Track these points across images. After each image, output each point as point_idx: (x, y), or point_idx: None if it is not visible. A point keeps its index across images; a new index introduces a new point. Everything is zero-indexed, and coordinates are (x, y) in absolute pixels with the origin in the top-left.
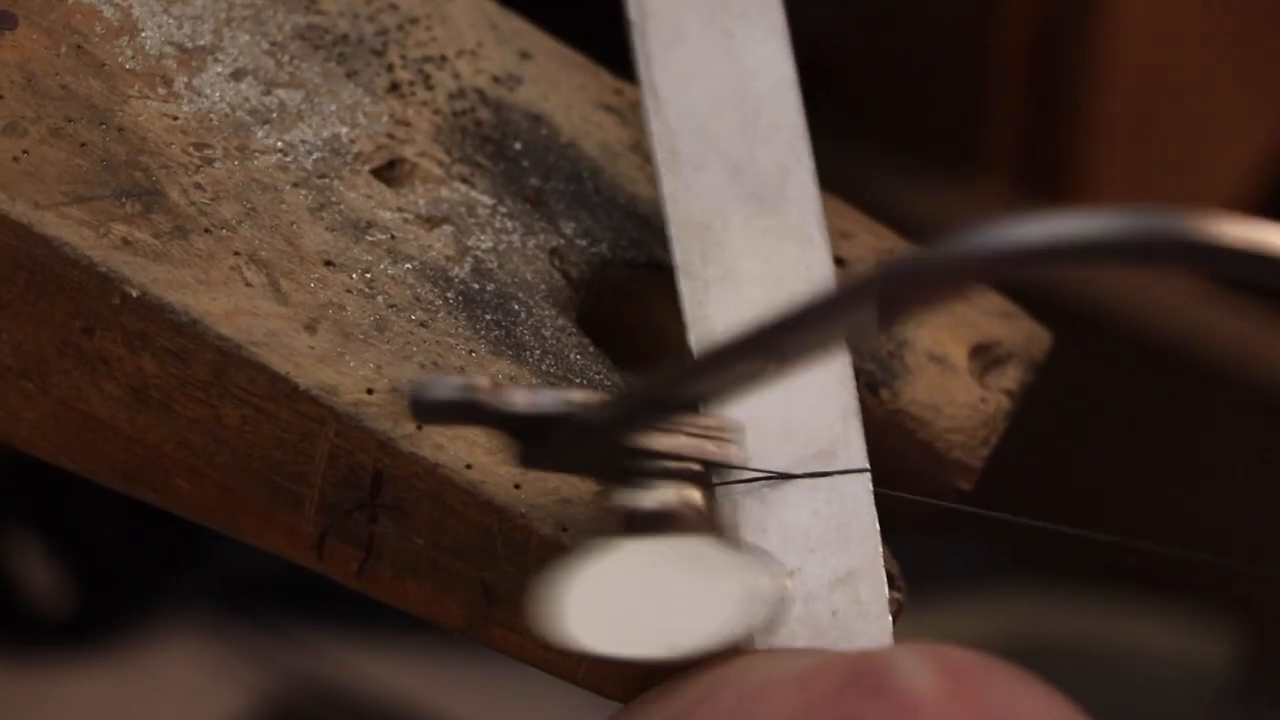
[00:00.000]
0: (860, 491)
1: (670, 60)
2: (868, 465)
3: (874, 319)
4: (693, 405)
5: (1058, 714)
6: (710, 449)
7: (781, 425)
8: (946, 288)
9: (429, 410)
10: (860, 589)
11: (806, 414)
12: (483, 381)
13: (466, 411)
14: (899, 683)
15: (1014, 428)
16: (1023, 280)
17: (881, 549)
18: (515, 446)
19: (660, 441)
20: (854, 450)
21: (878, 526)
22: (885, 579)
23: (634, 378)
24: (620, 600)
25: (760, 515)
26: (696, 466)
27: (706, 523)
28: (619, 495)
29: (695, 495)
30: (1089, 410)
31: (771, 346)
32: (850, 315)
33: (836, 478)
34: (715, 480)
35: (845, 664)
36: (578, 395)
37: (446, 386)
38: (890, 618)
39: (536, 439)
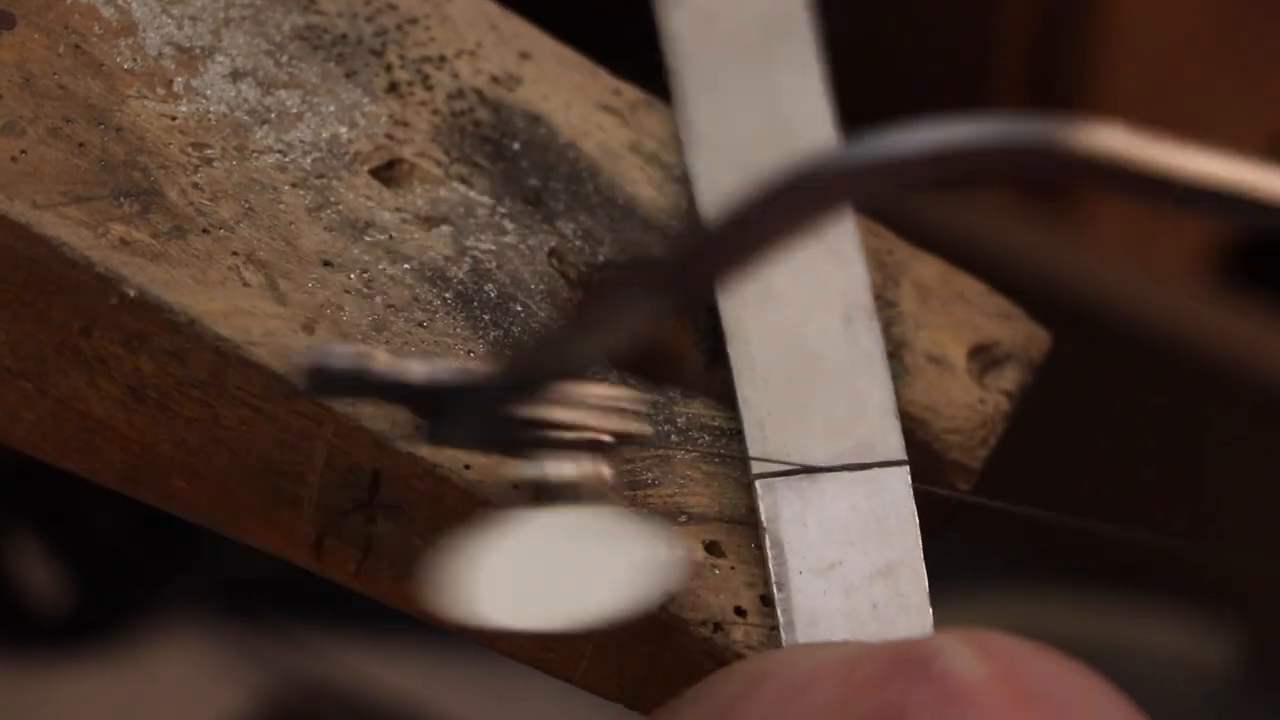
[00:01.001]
0: (899, 485)
1: (707, 103)
2: (906, 459)
3: (762, 240)
4: (589, 369)
5: (1100, 696)
6: (614, 422)
7: (821, 419)
8: (821, 203)
9: (322, 381)
10: (901, 581)
11: (844, 408)
12: (379, 352)
13: (361, 383)
14: (944, 667)
15: (1013, 428)
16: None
17: (920, 541)
18: (418, 422)
19: (563, 414)
20: (892, 444)
21: (917, 520)
22: (924, 572)
23: (530, 342)
24: (523, 572)
25: (799, 509)
26: (605, 438)
27: (610, 493)
28: (523, 467)
29: (599, 466)
30: (1089, 411)
31: (661, 281)
32: (735, 238)
33: (876, 471)
34: (756, 473)
35: (889, 651)
36: (476, 365)
37: (340, 356)
38: (930, 610)
39: (437, 413)
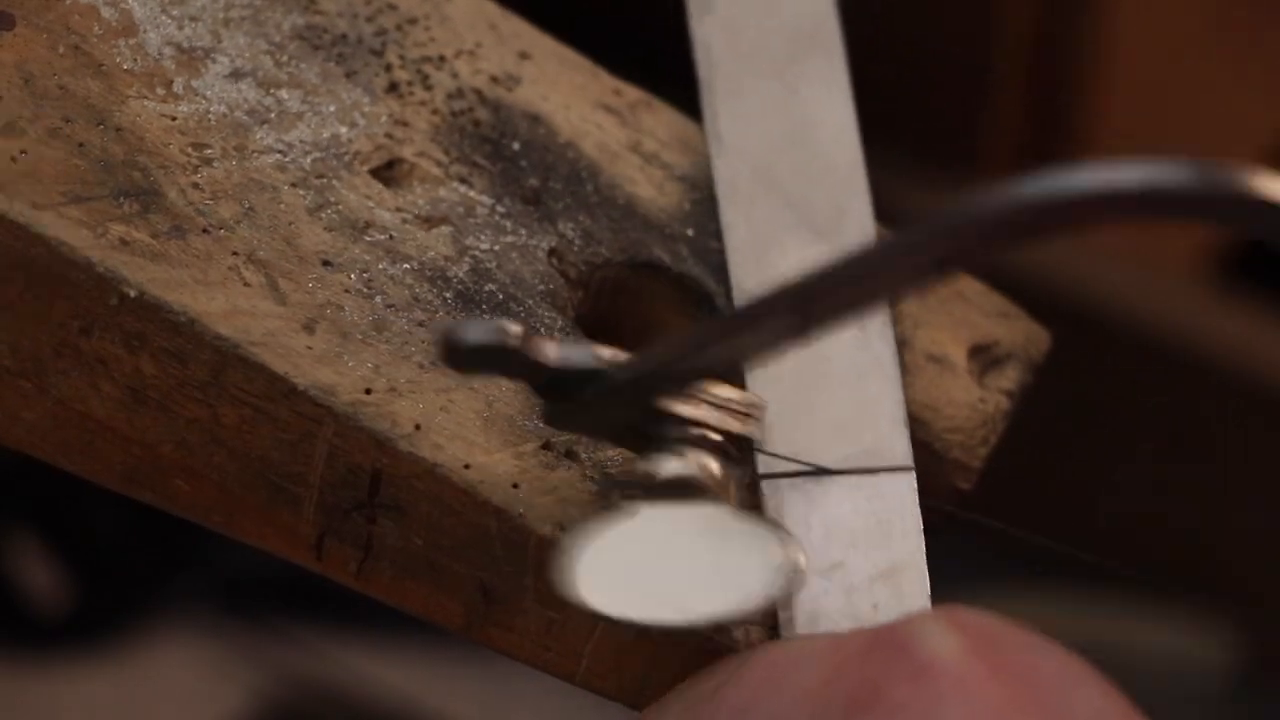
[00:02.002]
0: (904, 489)
1: (735, 111)
2: (912, 465)
3: (925, 272)
4: (723, 370)
5: (1076, 671)
6: (733, 423)
7: (830, 422)
8: (1001, 237)
9: (460, 355)
10: (903, 583)
11: (854, 413)
12: (515, 327)
13: (497, 358)
14: (920, 644)
15: (1013, 428)
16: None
17: (923, 544)
18: (542, 403)
19: (685, 409)
20: (899, 449)
21: (920, 524)
22: (927, 573)
23: (665, 335)
24: (636, 565)
25: (804, 510)
26: (718, 437)
27: (724, 492)
28: (641, 460)
29: (714, 464)
30: (1088, 410)
31: (806, 302)
32: (891, 270)
33: (881, 475)
34: (762, 472)
35: (870, 633)
36: (607, 352)
37: (480, 329)
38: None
39: (563, 395)
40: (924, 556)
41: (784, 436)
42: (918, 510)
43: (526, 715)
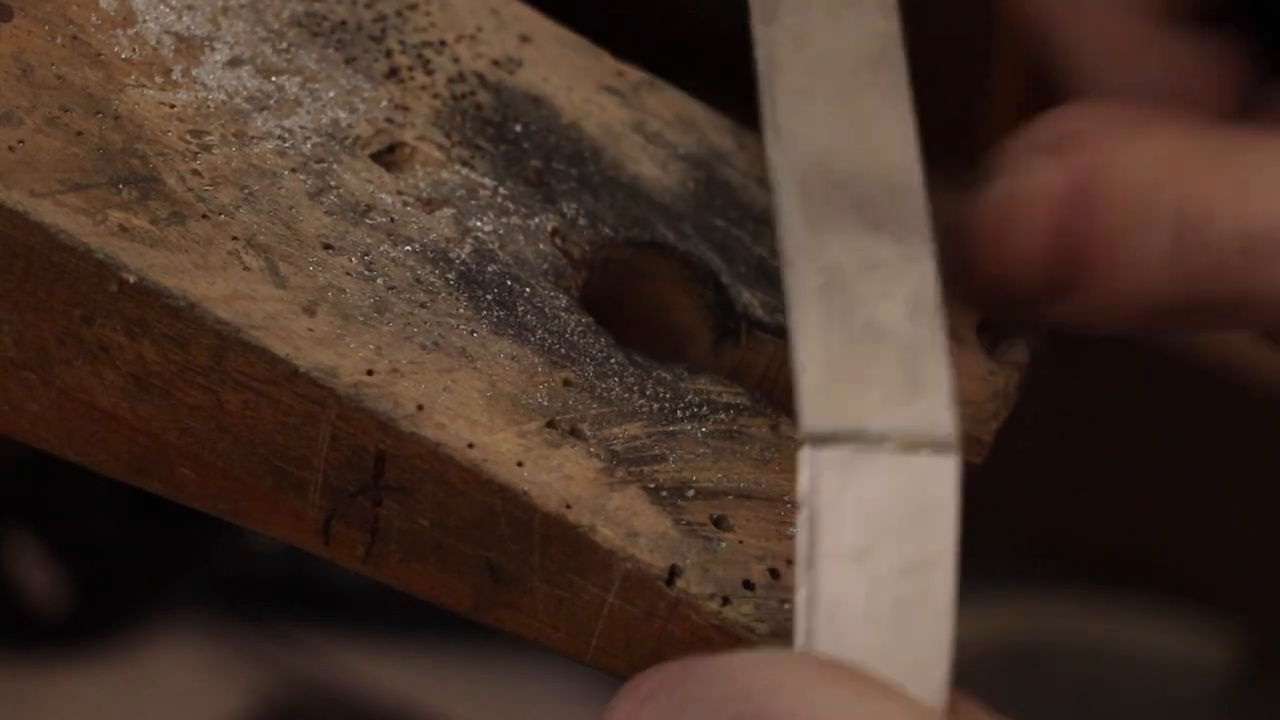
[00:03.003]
0: (947, 474)
1: (794, 105)
2: (957, 444)
3: None
4: None
5: None
6: None
7: (879, 394)
8: None
9: None
10: (930, 581)
11: (903, 389)
12: None
13: None
14: None
15: (1011, 428)
16: None
17: (957, 539)
18: None
19: None
20: (946, 424)
21: (958, 516)
22: (954, 571)
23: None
24: None
25: (840, 485)
26: None
27: None
28: None
29: None
30: (1089, 410)
31: None
32: None
33: (925, 456)
34: (804, 433)
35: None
36: None
37: None
38: (953, 615)
39: None
40: (955, 553)
41: (830, 405)
42: (957, 500)
43: (526, 715)
